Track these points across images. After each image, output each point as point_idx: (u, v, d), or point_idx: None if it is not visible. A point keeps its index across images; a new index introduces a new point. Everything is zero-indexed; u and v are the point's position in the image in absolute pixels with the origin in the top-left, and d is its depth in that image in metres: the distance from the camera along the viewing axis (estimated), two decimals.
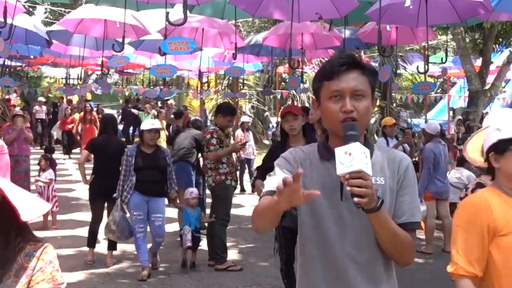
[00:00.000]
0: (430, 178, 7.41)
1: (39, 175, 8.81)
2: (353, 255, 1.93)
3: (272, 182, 1.93)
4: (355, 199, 1.71)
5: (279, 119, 7.06)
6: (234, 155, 7.56)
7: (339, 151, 1.74)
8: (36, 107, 20.63)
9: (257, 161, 12.91)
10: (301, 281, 2.07)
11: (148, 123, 6.52)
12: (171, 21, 6.17)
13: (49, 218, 8.46)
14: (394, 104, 17.55)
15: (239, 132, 12.45)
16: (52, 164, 9.23)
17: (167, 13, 6.11)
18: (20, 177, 9.72)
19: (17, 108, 16.12)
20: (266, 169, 4.77)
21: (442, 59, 10.02)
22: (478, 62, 13.69)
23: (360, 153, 1.71)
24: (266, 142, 19.23)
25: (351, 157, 1.71)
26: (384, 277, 1.98)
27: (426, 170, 7.39)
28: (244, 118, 13.76)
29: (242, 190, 12.11)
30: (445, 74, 16.38)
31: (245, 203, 10.67)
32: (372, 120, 15.70)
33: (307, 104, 17.94)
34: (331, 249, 1.95)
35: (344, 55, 2.02)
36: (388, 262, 1.98)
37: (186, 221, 6.48)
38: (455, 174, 8.65)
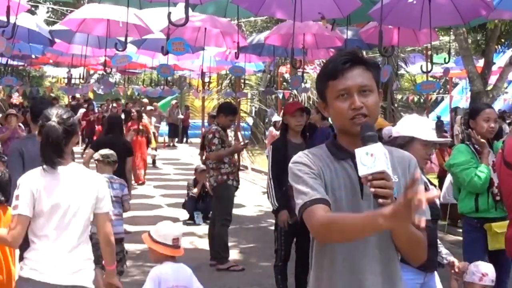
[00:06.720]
0: None
1: None
2: (376, 255, 1.92)
3: (303, 188, 1.86)
4: (380, 200, 1.69)
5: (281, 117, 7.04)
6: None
7: (360, 152, 1.71)
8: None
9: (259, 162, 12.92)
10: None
11: None
12: (173, 22, 6.18)
13: None
14: (396, 105, 17.51)
15: (272, 130, 12.16)
16: None
17: (169, 13, 6.11)
18: None
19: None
20: (281, 182, 4.88)
21: (445, 59, 10.00)
22: (480, 63, 13.64)
23: (381, 154, 1.69)
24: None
25: (373, 158, 1.68)
26: (399, 275, 2.00)
27: None
28: (276, 117, 13.54)
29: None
30: (447, 74, 16.34)
31: (246, 203, 10.66)
32: None
33: (306, 104, 17.87)
34: (356, 251, 1.92)
35: (346, 52, 2.00)
36: (399, 260, 2.01)
37: None
38: None
